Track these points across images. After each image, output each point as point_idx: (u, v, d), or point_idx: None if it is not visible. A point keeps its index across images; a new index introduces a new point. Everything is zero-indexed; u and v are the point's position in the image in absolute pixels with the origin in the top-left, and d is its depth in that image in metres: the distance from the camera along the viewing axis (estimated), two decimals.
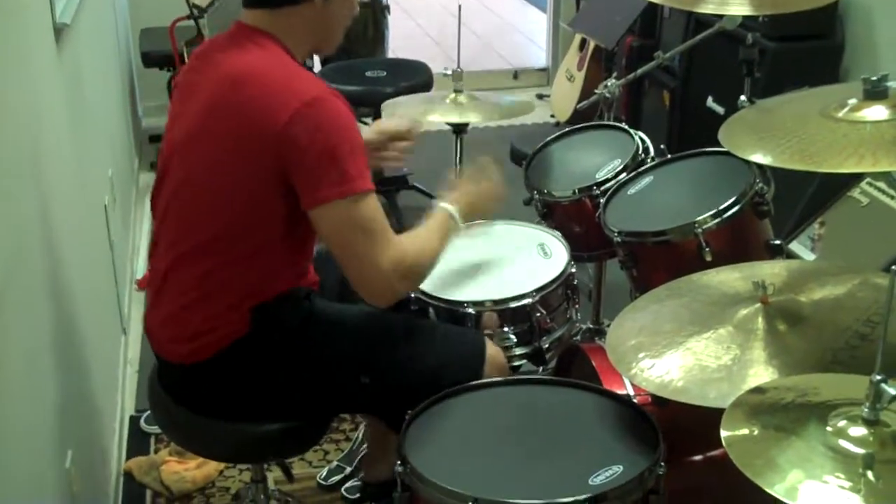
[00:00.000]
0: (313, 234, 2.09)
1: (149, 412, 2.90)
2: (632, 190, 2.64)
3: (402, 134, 2.59)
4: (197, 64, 2.14)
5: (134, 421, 3.17)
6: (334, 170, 1.93)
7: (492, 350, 2.22)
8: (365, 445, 2.88)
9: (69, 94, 2.89)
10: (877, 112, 1.70)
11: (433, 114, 3.01)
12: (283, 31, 2.05)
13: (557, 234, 2.58)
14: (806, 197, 3.56)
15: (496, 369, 2.20)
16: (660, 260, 2.48)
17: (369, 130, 2.54)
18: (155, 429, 3.06)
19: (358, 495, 2.79)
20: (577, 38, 5.49)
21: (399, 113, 2.92)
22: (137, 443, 3.08)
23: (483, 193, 2.32)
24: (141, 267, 4.02)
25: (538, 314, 2.34)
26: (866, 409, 1.37)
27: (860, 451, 1.33)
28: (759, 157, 1.80)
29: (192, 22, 4.68)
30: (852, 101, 1.74)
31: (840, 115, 1.74)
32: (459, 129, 3.09)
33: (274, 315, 2.08)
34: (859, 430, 1.36)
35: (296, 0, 2.04)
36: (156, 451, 3.02)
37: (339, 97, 1.99)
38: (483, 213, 2.35)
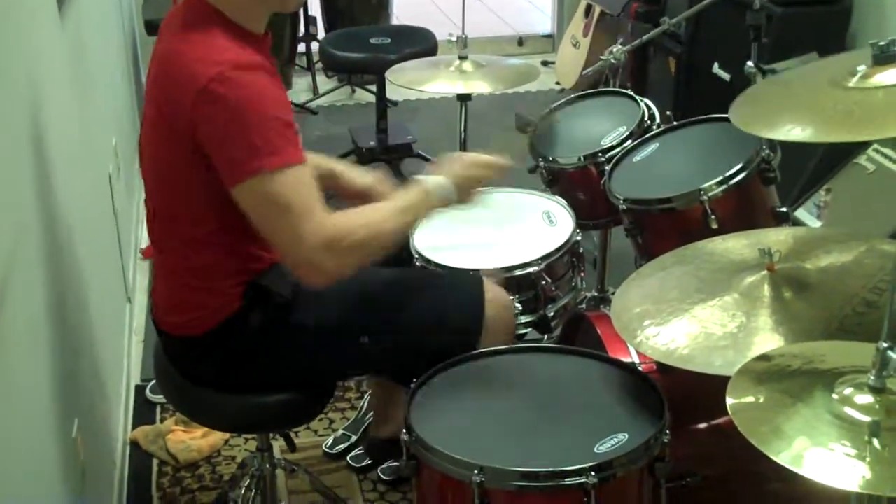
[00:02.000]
0: None
1: (154, 381, 2.91)
2: (637, 157, 2.63)
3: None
4: (159, 37, 2.08)
5: (140, 390, 3.17)
6: (242, 145, 1.84)
7: (492, 290, 2.19)
8: (370, 415, 2.88)
9: (72, 62, 2.87)
10: (889, 77, 1.67)
11: (438, 81, 2.99)
12: (231, 6, 1.95)
13: (563, 201, 2.57)
14: (812, 164, 3.54)
15: (501, 308, 2.17)
16: (665, 227, 2.47)
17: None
18: (161, 398, 3.07)
19: (366, 461, 2.80)
20: (583, 3, 5.46)
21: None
22: (143, 412, 3.09)
23: (472, 169, 2.15)
24: (145, 236, 4.01)
25: (543, 282, 2.34)
26: (872, 377, 1.36)
27: (866, 418, 1.33)
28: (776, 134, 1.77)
29: None
30: (861, 69, 1.72)
31: (850, 84, 1.71)
32: (464, 96, 3.08)
33: (265, 289, 2.06)
34: (865, 398, 1.35)
35: None
36: (162, 421, 3.03)
37: (256, 69, 1.89)
38: (470, 191, 2.16)
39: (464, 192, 2.13)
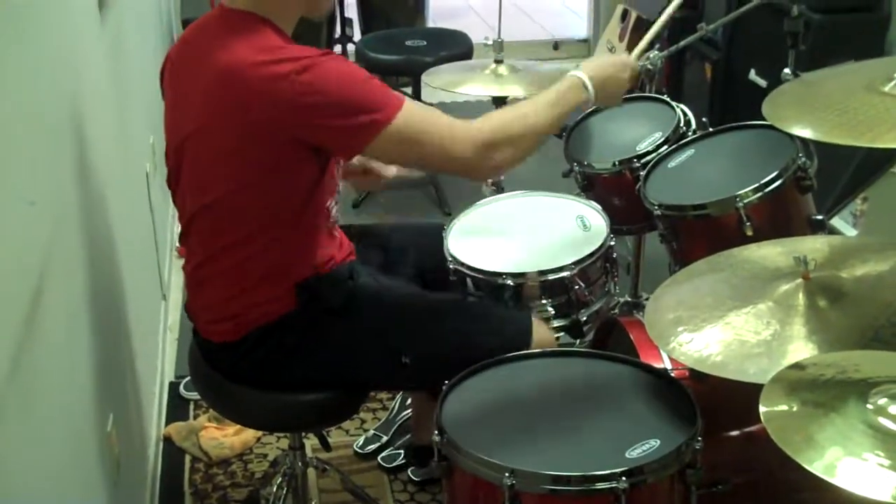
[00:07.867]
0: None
1: (188, 378, 2.93)
2: (673, 163, 2.62)
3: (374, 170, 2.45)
4: (187, 53, 2.08)
5: (173, 387, 3.20)
6: (358, 109, 1.89)
7: (540, 331, 2.21)
8: (403, 414, 2.89)
9: (111, 60, 2.90)
10: None
11: (473, 84, 2.99)
12: (268, 9, 1.98)
13: (597, 206, 2.57)
14: (848, 172, 3.52)
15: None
16: (700, 234, 2.47)
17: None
18: (194, 395, 3.10)
19: (402, 461, 2.81)
20: (619, 8, 5.45)
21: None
22: (177, 408, 3.12)
23: (618, 67, 2.30)
24: None
25: (576, 287, 2.33)
26: None
27: None
28: (801, 131, 1.78)
29: None
30: None
31: (886, 89, 1.71)
32: (500, 100, 3.08)
33: (317, 294, 2.08)
34: None
35: None
36: (195, 417, 3.05)
37: (330, 54, 1.93)
38: (615, 92, 2.32)
39: (603, 93, 2.24)
